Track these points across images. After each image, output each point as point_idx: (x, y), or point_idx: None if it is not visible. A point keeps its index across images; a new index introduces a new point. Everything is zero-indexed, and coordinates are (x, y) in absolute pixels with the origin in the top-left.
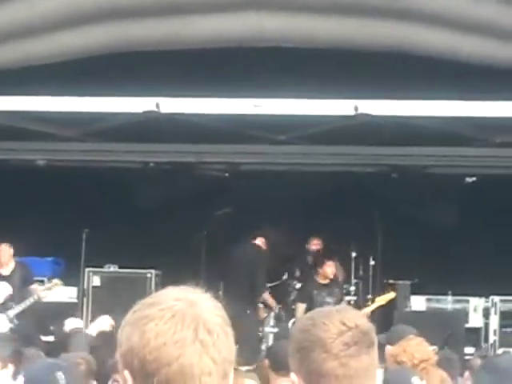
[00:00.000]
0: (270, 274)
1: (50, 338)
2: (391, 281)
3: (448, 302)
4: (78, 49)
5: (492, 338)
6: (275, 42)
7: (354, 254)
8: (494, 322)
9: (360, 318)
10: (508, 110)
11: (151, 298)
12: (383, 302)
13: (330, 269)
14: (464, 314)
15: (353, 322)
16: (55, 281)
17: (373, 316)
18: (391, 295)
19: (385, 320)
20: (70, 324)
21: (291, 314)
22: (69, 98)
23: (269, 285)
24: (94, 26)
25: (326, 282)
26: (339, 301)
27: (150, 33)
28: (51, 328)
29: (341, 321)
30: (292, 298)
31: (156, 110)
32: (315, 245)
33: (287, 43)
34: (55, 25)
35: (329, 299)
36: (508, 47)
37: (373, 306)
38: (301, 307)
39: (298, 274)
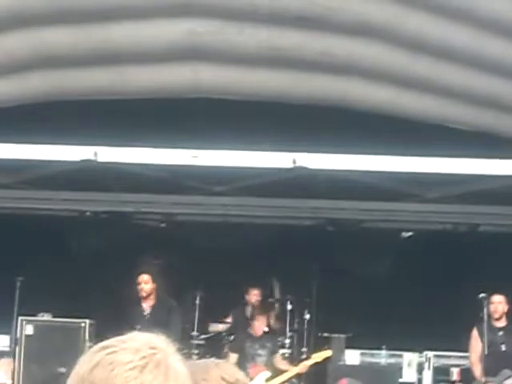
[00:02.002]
0: (204, 325)
1: None
2: (326, 334)
3: (382, 357)
4: (14, 96)
5: None
6: (212, 93)
7: (289, 307)
8: (428, 377)
9: (239, 373)
10: (440, 166)
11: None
12: (319, 360)
13: (263, 325)
14: (398, 369)
15: (233, 377)
16: None
17: (307, 369)
18: (327, 353)
19: (319, 374)
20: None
21: None
22: (5, 145)
23: (202, 337)
24: (31, 74)
25: (259, 334)
26: (271, 354)
27: (86, 83)
28: None
29: (221, 376)
30: (225, 350)
31: (93, 158)
32: (255, 295)
33: (224, 95)
34: None
35: (261, 351)
36: (442, 104)
37: (309, 363)
38: (232, 357)
39: (232, 326)
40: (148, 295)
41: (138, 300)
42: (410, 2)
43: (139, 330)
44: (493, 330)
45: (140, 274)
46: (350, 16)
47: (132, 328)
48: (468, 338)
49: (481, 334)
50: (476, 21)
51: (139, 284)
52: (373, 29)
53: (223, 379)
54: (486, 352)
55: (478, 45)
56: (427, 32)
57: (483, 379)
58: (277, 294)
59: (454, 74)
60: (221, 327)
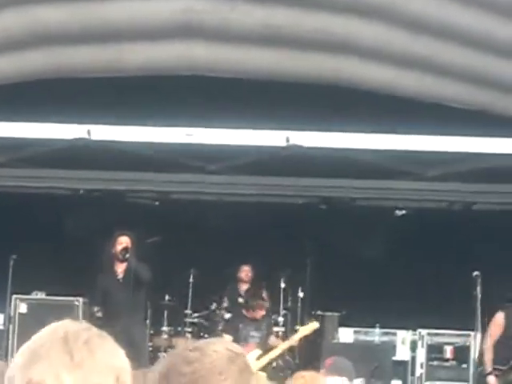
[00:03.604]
0: (198, 303)
1: None
2: (319, 312)
3: (375, 335)
4: (9, 74)
5: (419, 371)
6: (207, 71)
7: (282, 285)
8: (421, 355)
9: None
10: (437, 144)
11: None
12: (307, 332)
13: (260, 312)
14: (391, 347)
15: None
16: None
17: (301, 347)
18: (315, 325)
19: (313, 352)
20: None
21: None
22: None
23: (196, 314)
24: (27, 52)
25: (254, 319)
26: (265, 336)
27: (82, 60)
28: None
29: (226, 347)
30: (220, 328)
31: (87, 136)
32: (245, 271)
33: (219, 73)
34: None
35: (254, 333)
36: (440, 82)
37: (297, 336)
38: (227, 338)
39: (226, 304)
40: (125, 257)
41: (112, 264)
42: None
43: (113, 295)
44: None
45: (119, 235)
46: None
47: (105, 294)
48: (461, 316)
49: (507, 319)
50: (476, 0)
51: (120, 244)
52: (370, 7)
53: (228, 350)
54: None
55: (477, 24)
56: (426, 11)
57: (490, 368)
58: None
59: (452, 53)
60: (212, 307)
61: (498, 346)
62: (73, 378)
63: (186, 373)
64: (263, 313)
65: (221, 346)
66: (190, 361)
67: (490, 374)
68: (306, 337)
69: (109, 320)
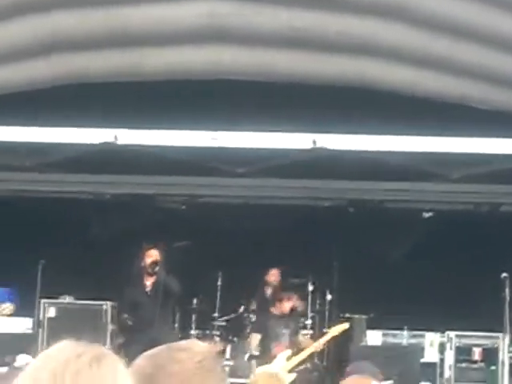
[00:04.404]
0: (226, 306)
1: (3, 370)
2: (347, 315)
3: (404, 337)
4: (35, 79)
5: (447, 373)
6: (233, 74)
7: (310, 288)
8: (450, 357)
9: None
10: (464, 146)
11: None
12: (337, 333)
13: (288, 304)
14: (420, 349)
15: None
16: (6, 305)
17: (329, 350)
18: (345, 326)
19: (341, 354)
20: (21, 360)
21: (248, 346)
22: (26, 128)
23: (225, 318)
24: (51, 57)
25: (284, 313)
26: (295, 333)
27: (107, 65)
28: (5, 360)
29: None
30: (248, 330)
31: (114, 141)
32: (274, 275)
33: (245, 76)
34: (13, 54)
35: (284, 330)
36: (464, 83)
37: (327, 337)
38: (255, 337)
39: (254, 307)
40: (154, 271)
41: (141, 277)
42: None
43: (141, 308)
44: None
45: (148, 249)
46: None
47: (134, 306)
48: (490, 317)
49: None
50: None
51: (150, 257)
52: (392, 8)
53: (211, 350)
54: None
55: (498, 24)
56: (447, 11)
57: None
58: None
59: (476, 53)
60: (240, 310)
61: None
62: None
63: (176, 372)
64: (291, 304)
65: (203, 346)
66: (178, 360)
67: None
68: (334, 339)
69: (139, 330)
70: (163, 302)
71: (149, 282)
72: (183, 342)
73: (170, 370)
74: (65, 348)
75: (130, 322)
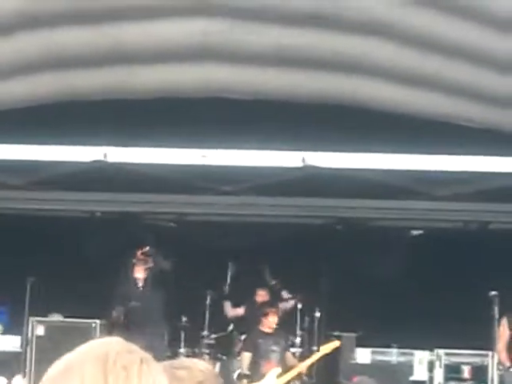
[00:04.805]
0: (215, 324)
1: None
2: (336, 333)
3: (393, 355)
4: (24, 97)
5: None
6: (222, 92)
7: (299, 306)
8: (439, 375)
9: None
10: (450, 163)
11: None
12: (327, 351)
13: (273, 319)
14: (409, 367)
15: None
16: None
17: (318, 367)
18: (335, 344)
19: (330, 372)
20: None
21: (237, 364)
22: (15, 146)
23: (214, 336)
24: (41, 75)
25: (271, 331)
26: (284, 350)
27: (97, 82)
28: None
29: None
30: (237, 349)
31: (103, 159)
32: (261, 296)
33: (235, 94)
34: (1, 73)
35: (274, 347)
36: (452, 101)
37: (317, 355)
38: (246, 356)
39: (243, 325)
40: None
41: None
42: (420, 1)
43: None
44: None
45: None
46: (359, 15)
47: (126, 299)
48: (479, 335)
49: (509, 323)
50: (485, 18)
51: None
52: (383, 27)
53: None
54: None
55: (488, 42)
56: (437, 30)
57: (508, 363)
58: (268, 279)
59: (463, 72)
60: (237, 311)
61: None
62: None
63: None
64: (276, 318)
65: (203, 365)
66: (179, 378)
67: (510, 367)
68: (324, 356)
69: (130, 337)
70: (156, 295)
71: (140, 274)
72: (185, 360)
73: None
74: (117, 342)
75: (121, 319)
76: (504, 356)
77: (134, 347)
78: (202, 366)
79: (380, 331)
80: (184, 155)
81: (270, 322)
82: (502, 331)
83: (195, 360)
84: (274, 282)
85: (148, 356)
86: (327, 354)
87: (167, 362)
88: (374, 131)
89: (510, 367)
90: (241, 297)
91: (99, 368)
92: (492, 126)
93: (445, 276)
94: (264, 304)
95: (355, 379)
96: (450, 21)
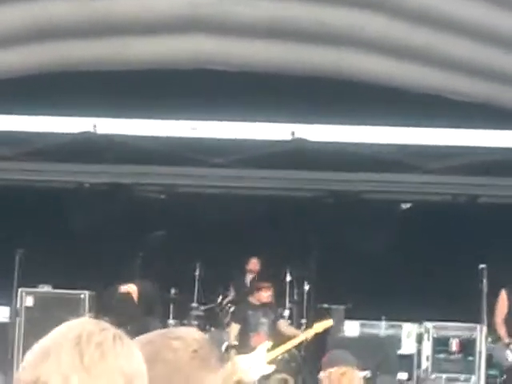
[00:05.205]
0: (204, 296)
1: None
2: (325, 305)
3: (381, 328)
4: (15, 67)
5: (425, 363)
6: (211, 64)
7: (288, 278)
8: (427, 347)
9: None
10: (442, 137)
11: None
12: (321, 329)
13: (266, 293)
14: (397, 340)
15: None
16: None
17: (307, 340)
18: (329, 322)
19: (318, 345)
20: None
21: (226, 336)
22: (4, 117)
23: (202, 308)
24: (32, 45)
25: (263, 302)
26: (274, 322)
27: (88, 53)
28: None
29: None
30: (226, 320)
31: (93, 130)
32: (253, 264)
33: (224, 66)
34: None
35: (264, 319)
36: (442, 74)
37: (310, 333)
38: (235, 328)
39: (232, 296)
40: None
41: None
42: None
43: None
44: None
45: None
46: None
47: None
48: (467, 309)
49: (509, 296)
50: None
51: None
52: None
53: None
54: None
55: (478, 15)
56: (427, 3)
57: (507, 340)
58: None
59: (454, 45)
60: (218, 299)
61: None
62: (80, 380)
63: (171, 360)
64: (269, 293)
65: (197, 333)
66: (174, 348)
67: (509, 343)
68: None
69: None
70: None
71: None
72: (179, 330)
73: (164, 358)
74: (88, 322)
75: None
76: (503, 331)
77: (106, 325)
78: (196, 334)
79: (369, 304)
80: (173, 127)
81: (262, 296)
82: (501, 304)
83: (189, 329)
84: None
85: (120, 332)
86: (320, 333)
87: (160, 332)
88: (364, 104)
89: (509, 343)
90: (231, 268)
91: (74, 349)
92: (483, 100)
93: (433, 249)
94: (257, 275)
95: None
96: None
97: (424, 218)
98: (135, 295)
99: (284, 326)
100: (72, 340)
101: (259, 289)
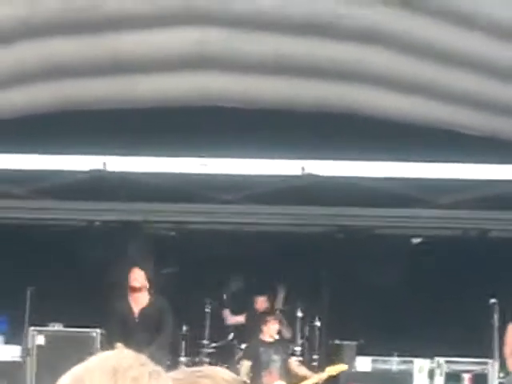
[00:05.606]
0: (216, 333)
1: None
2: (337, 341)
3: (393, 363)
4: (25, 106)
5: None
6: (220, 101)
7: (300, 314)
8: (439, 383)
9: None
10: (450, 171)
11: None
12: (334, 373)
13: (274, 326)
14: (409, 375)
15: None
16: None
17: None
18: (343, 367)
19: (331, 381)
20: None
21: (236, 373)
22: (15, 156)
23: (213, 345)
24: (41, 84)
25: (272, 340)
26: (285, 359)
27: (97, 92)
28: None
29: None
30: (237, 357)
31: (103, 168)
32: (262, 302)
33: (233, 103)
34: (0, 82)
35: (275, 357)
36: (451, 109)
37: (323, 375)
38: (246, 365)
39: (243, 333)
40: (138, 292)
41: (127, 301)
42: (418, 9)
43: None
44: None
45: (132, 267)
46: (355, 22)
47: (124, 333)
48: (479, 343)
49: None
50: (482, 25)
51: (130, 278)
52: (379, 35)
53: (234, 377)
54: None
55: (486, 50)
56: (435, 38)
57: None
58: (279, 304)
59: (462, 79)
60: (237, 319)
61: None
62: None
63: None
64: (277, 326)
65: (226, 373)
66: None
67: None
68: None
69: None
70: (155, 329)
71: (136, 308)
72: (207, 368)
73: None
74: (127, 354)
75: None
76: (510, 362)
77: (145, 360)
78: (225, 374)
79: (380, 339)
80: (183, 164)
81: (270, 330)
82: (509, 337)
83: (218, 368)
84: (283, 306)
85: (158, 369)
86: (333, 376)
87: (189, 370)
88: (373, 139)
89: None
90: (241, 305)
91: (109, 379)
92: (492, 134)
93: (444, 284)
94: (264, 312)
95: None
96: (448, 29)
97: (435, 252)
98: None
99: (295, 365)
100: (108, 370)
101: (266, 322)
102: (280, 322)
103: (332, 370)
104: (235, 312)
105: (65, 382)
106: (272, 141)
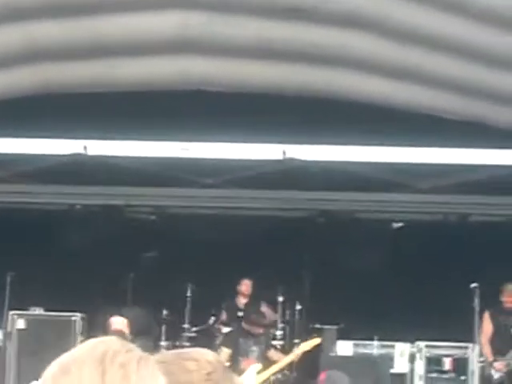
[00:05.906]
0: (196, 317)
1: None
2: (318, 325)
3: (374, 347)
4: (5, 89)
5: (418, 383)
6: (201, 85)
7: (280, 299)
8: (420, 367)
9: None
10: (430, 156)
11: None
12: (308, 348)
13: (259, 330)
14: (390, 359)
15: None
16: None
17: (298, 361)
18: (316, 341)
19: (311, 365)
20: None
21: None
22: None
23: (194, 329)
24: (22, 67)
25: (254, 333)
26: (264, 351)
27: (78, 75)
28: None
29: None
30: (218, 342)
31: (83, 152)
32: (245, 285)
33: (215, 87)
34: None
35: (254, 348)
36: (433, 94)
37: (298, 351)
38: (225, 352)
39: (224, 318)
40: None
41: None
42: None
43: None
44: (505, 313)
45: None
46: (339, 7)
47: None
48: (459, 327)
49: (492, 317)
50: (466, 11)
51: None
52: (363, 20)
53: (219, 361)
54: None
55: (468, 35)
56: (418, 22)
57: (491, 358)
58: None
59: (444, 64)
60: (210, 321)
61: (496, 340)
62: None
63: (184, 381)
64: (261, 331)
65: (211, 355)
66: (188, 370)
67: (493, 362)
68: (305, 352)
69: None
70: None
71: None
72: (193, 351)
73: (178, 379)
74: (114, 341)
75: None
76: (487, 350)
77: (133, 346)
78: (210, 356)
79: (361, 323)
80: (165, 148)
81: (254, 330)
82: (486, 325)
83: (203, 350)
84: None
85: (147, 355)
86: (308, 351)
87: (175, 352)
88: (354, 124)
89: (492, 361)
90: (223, 290)
91: (96, 367)
92: (473, 119)
93: (425, 268)
94: (249, 304)
95: (322, 375)
96: (431, 14)
97: (415, 237)
98: (127, 329)
99: (274, 354)
100: (96, 358)
101: (252, 324)
102: (264, 322)
103: (306, 346)
104: (217, 295)
105: (52, 371)
106: (253, 125)
